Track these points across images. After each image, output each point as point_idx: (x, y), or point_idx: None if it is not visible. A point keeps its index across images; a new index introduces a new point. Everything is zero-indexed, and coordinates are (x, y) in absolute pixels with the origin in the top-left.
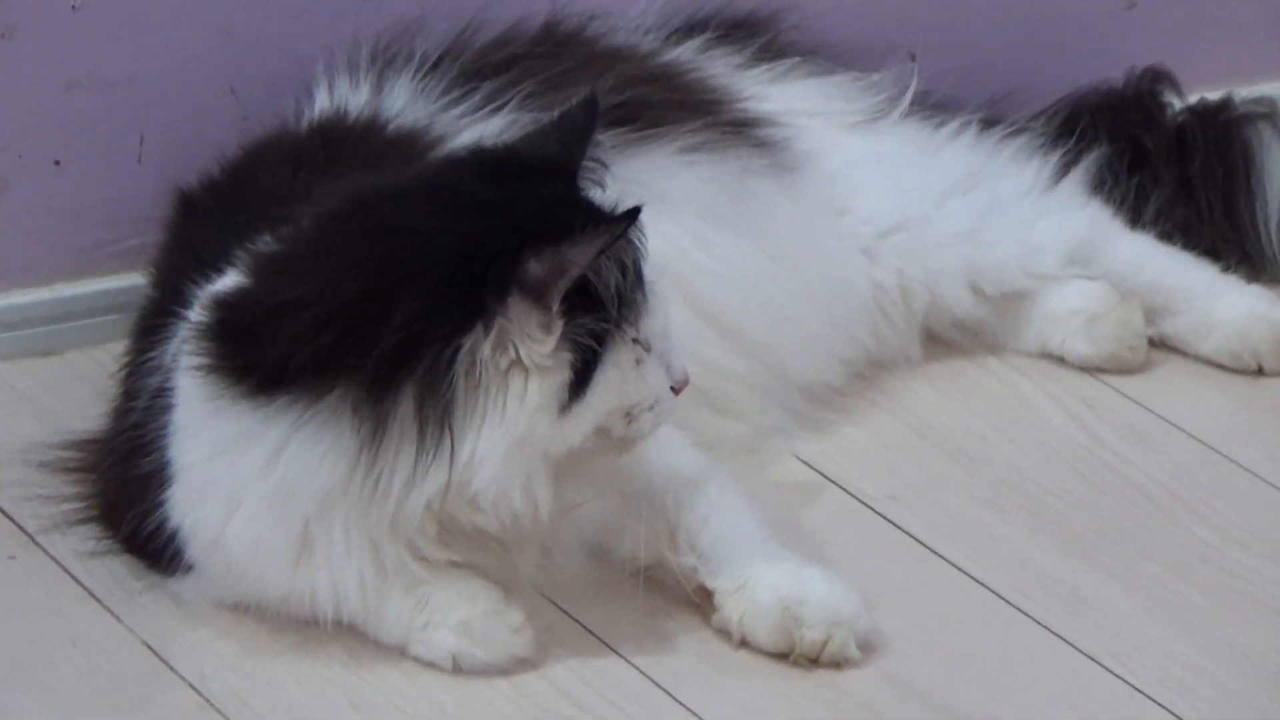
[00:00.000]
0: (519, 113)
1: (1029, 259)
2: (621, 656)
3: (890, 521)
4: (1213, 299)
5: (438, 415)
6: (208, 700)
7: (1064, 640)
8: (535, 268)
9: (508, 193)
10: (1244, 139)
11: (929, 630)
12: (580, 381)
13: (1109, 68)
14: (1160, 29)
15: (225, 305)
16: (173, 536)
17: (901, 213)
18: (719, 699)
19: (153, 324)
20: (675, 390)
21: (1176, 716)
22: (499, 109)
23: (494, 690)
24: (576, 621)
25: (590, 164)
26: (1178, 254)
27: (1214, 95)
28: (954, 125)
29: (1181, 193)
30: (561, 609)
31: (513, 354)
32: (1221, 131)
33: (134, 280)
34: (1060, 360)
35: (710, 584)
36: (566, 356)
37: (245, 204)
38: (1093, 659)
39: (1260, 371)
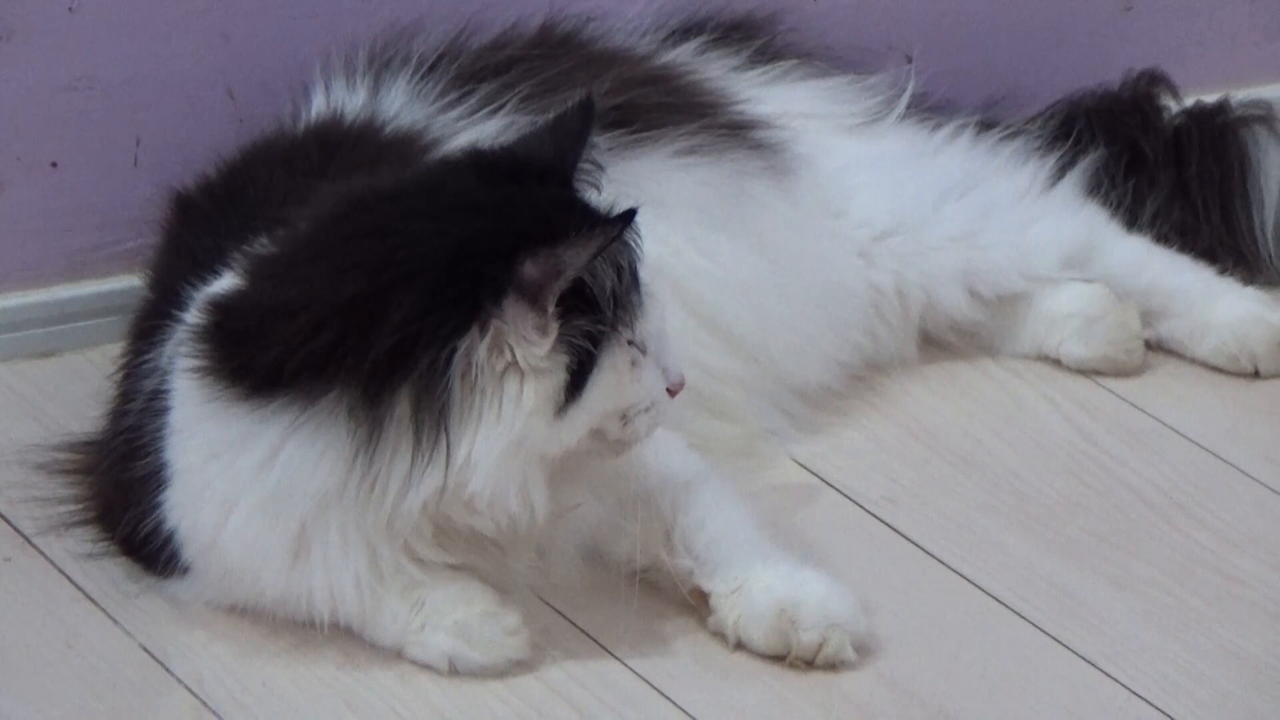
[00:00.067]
0: (516, 115)
1: (1025, 262)
2: (617, 659)
3: (886, 524)
4: (1209, 302)
5: (434, 417)
6: (204, 702)
7: (1060, 643)
8: (531, 270)
9: (504, 195)
10: (1240, 142)
11: (925, 633)
12: (576, 384)
13: (1106, 71)
14: (1157, 32)
15: (221, 307)
16: (169, 538)
17: (898, 215)
18: (715, 701)
19: (149, 326)
20: (671, 392)
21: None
22: (496, 111)
23: (489, 692)
24: (572, 624)
25: (586, 166)
26: (1174, 257)
27: (1210, 98)
28: (951, 128)
29: (1178, 195)
30: (557, 611)
31: (508, 356)
32: (1218, 134)
33: (130, 282)
34: (1056, 363)
35: (706, 586)
36: (562, 359)
37: (241, 206)
38: (1089, 662)
39: (1257, 374)
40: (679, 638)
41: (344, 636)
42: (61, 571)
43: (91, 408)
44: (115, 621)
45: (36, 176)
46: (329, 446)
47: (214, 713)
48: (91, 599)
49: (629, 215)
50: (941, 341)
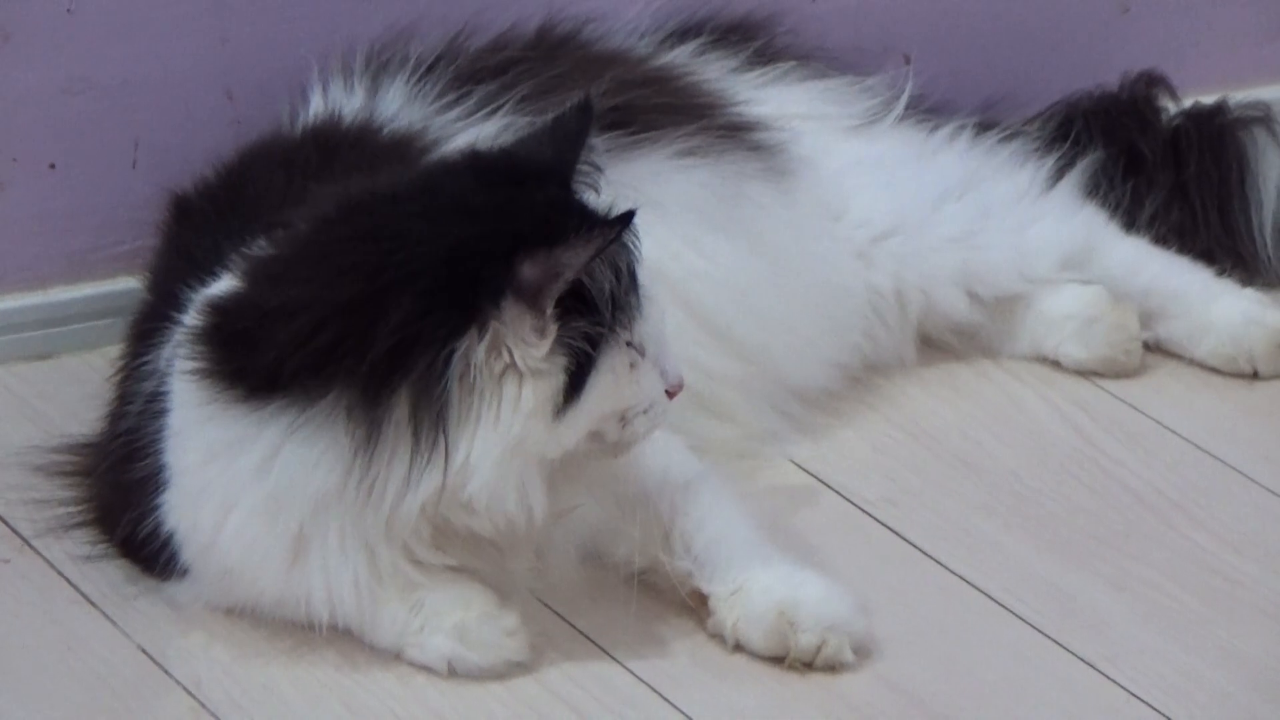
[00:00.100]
0: (514, 116)
1: (1024, 263)
2: (616, 660)
3: (885, 525)
4: (1208, 303)
5: (432, 419)
6: (203, 704)
7: (1059, 644)
8: (529, 272)
9: (502, 197)
10: (1238, 143)
11: (924, 634)
12: (574, 385)
13: (1104, 72)
14: (1155, 33)
15: (220, 309)
16: (168, 540)
17: (896, 217)
18: (713, 703)
19: (147, 328)
20: (669, 394)
21: None
22: (494, 112)
23: (488, 694)
24: (571, 625)
25: (585, 168)
26: (1173, 258)
27: (1208, 99)
28: (949, 129)
29: (1176, 197)
30: (556, 613)
31: (507, 358)
32: (1216, 136)
33: (129, 284)
34: (1055, 364)
35: (705, 588)
36: (561, 360)
37: (240, 208)
38: (1087, 663)
39: (1255, 375)
40: (678, 639)
41: (342, 638)
42: (60, 573)
43: (90, 410)
44: (114, 623)
45: (35, 178)
46: (327, 448)
47: (212, 714)
48: (90, 601)
49: (627, 217)
50: (940, 343)
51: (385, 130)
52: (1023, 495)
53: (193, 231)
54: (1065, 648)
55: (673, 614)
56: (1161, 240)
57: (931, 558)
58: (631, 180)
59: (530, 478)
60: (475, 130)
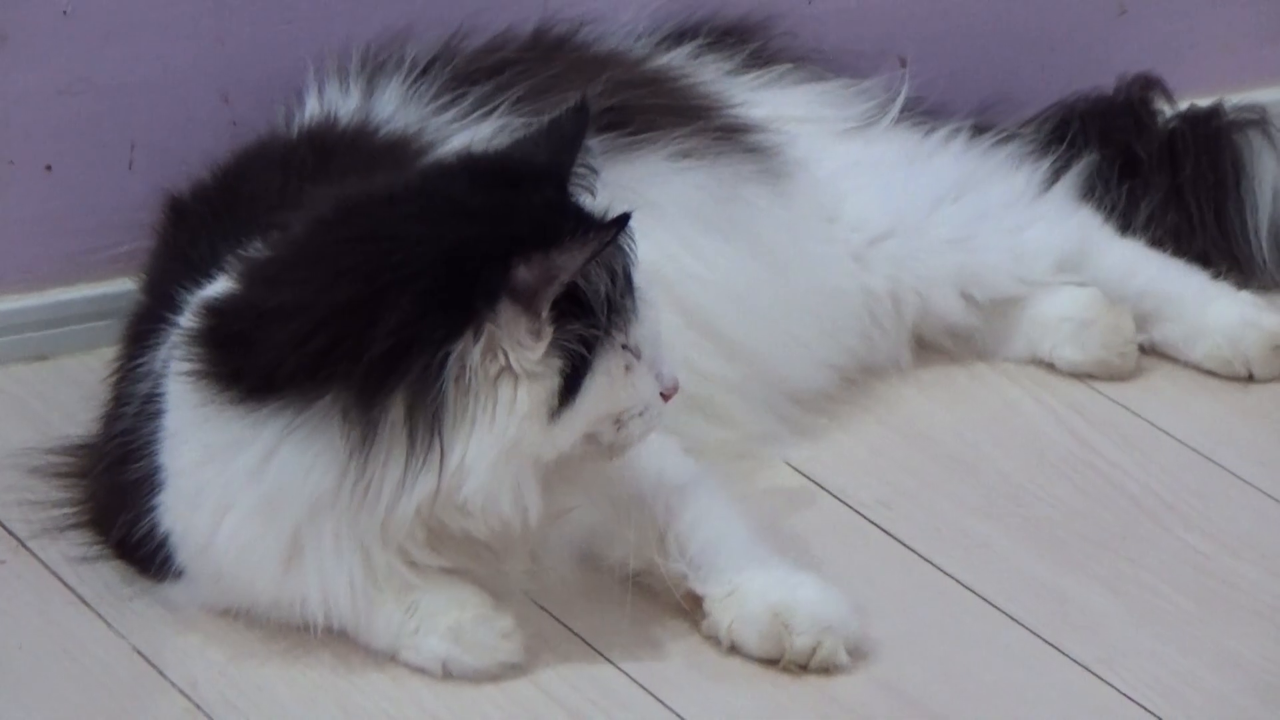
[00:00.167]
0: (510, 117)
1: (1019, 265)
2: (611, 662)
3: (880, 528)
4: (1203, 305)
5: (427, 421)
6: (198, 706)
7: (1054, 647)
8: (525, 274)
9: (498, 199)
10: (1234, 146)
11: (919, 637)
12: (570, 388)
13: (1100, 75)
14: (1151, 36)
15: (216, 311)
16: (163, 542)
17: (892, 219)
18: (708, 705)
19: (144, 329)
20: (665, 397)
21: None
22: (489, 114)
23: (483, 696)
24: (566, 627)
25: (581, 170)
26: (1168, 260)
27: (1204, 102)
28: (944, 132)
29: (1172, 199)
30: (551, 615)
31: (502, 360)
32: (1212, 138)
33: (125, 286)
34: (1050, 367)
35: (700, 590)
36: (556, 363)
37: (236, 210)
38: (1083, 666)
39: (1250, 378)
40: (672, 641)
41: (338, 640)
42: (56, 575)
43: (86, 411)
44: (109, 625)
45: (31, 180)
46: (323, 450)
47: (207, 715)
48: (86, 602)
49: (623, 220)
50: (935, 345)
51: (381, 132)
52: (1018, 498)
53: (189, 233)
54: (1060, 650)
55: (668, 616)
56: (1157, 243)
57: (927, 560)
58: (628, 181)
59: (525, 480)
60: (471, 131)
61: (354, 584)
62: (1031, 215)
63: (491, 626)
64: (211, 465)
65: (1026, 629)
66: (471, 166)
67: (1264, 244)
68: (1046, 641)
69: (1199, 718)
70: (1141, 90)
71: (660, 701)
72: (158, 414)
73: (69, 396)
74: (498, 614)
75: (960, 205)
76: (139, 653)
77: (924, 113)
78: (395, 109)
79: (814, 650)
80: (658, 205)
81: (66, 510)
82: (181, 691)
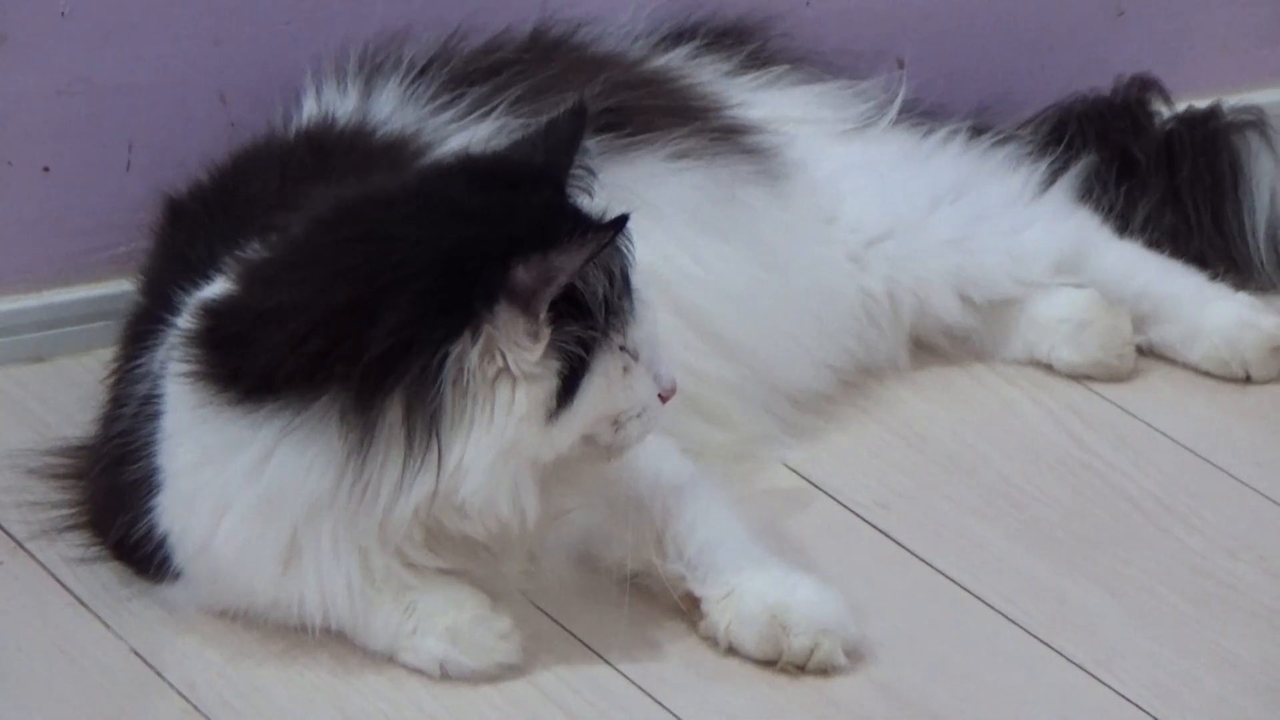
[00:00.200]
0: (507, 117)
1: (1017, 267)
2: (609, 663)
3: (878, 529)
4: (1200, 307)
5: (425, 423)
6: (196, 707)
7: (1051, 648)
8: (523, 276)
9: (496, 201)
10: (1231, 147)
11: (916, 638)
12: (568, 389)
13: (1097, 76)
14: (1148, 37)
15: (214, 312)
16: (161, 543)
17: (890, 220)
18: (706, 706)
19: (141, 330)
20: (663, 398)
21: None
22: (487, 114)
23: (481, 697)
24: (564, 628)
25: (578, 171)
26: (1166, 262)
27: (1202, 103)
28: (942, 133)
29: (1169, 201)
30: (549, 616)
31: (500, 362)
32: (1209, 140)
33: (123, 287)
34: (1048, 368)
35: (697, 591)
36: (554, 364)
37: (233, 211)
38: (1080, 667)
39: (1248, 379)
40: (670, 642)
41: (336, 641)
42: (54, 576)
43: (84, 412)
44: (107, 626)
45: (29, 181)
46: (321, 452)
47: (205, 717)
48: (84, 603)
49: (621, 221)
50: (933, 346)
51: (379, 133)
52: (1015, 499)
53: (186, 234)
54: (1058, 651)
55: (665, 617)
56: (1154, 244)
57: (924, 561)
58: (626, 182)
59: (523, 481)
60: (469, 132)
61: (352, 585)
62: (1029, 216)
63: (489, 627)
64: (209, 466)
65: (1024, 630)
66: (469, 167)
67: (1261, 245)
68: (1044, 642)
69: (1195, 718)
70: (1139, 91)
71: (658, 702)
72: (156, 415)
73: (67, 398)
74: (495, 615)
75: (958, 206)
76: (137, 654)
77: (922, 114)
78: (393, 110)
79: (812, 651)
80: (655, 206)
81: (64, 511)
82: (179, 692)
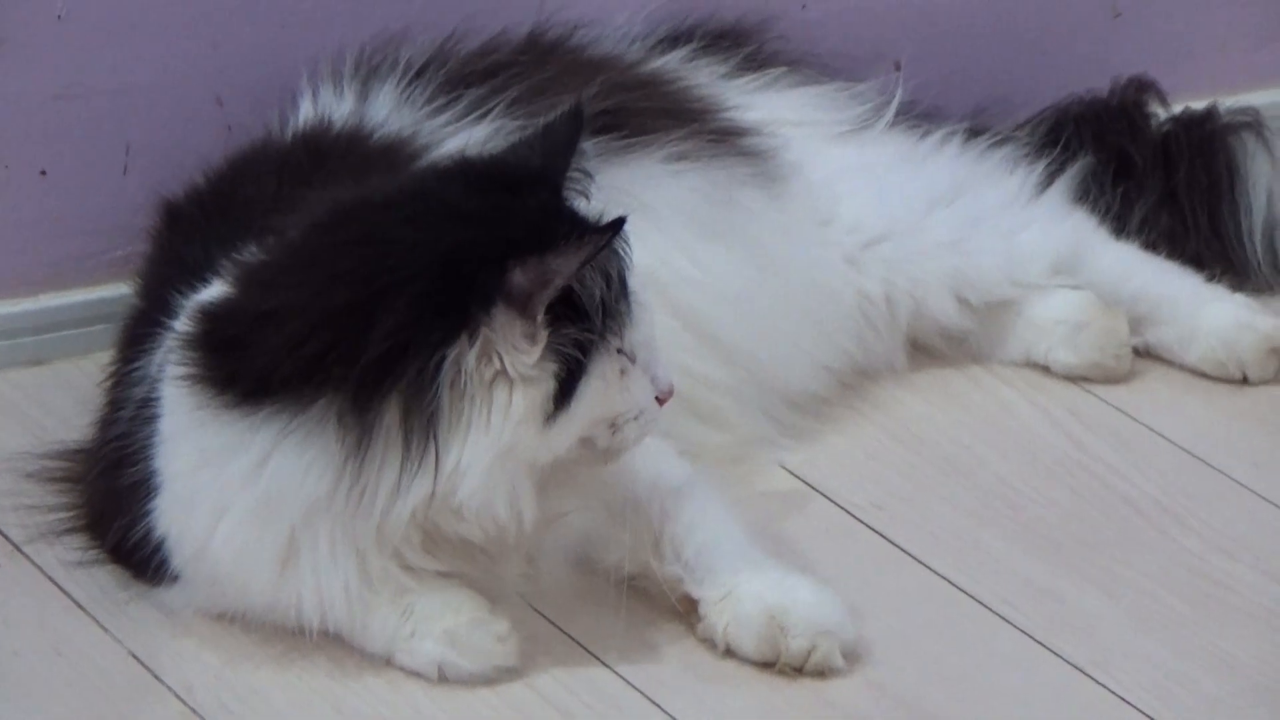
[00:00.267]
0: (504, 119)
1: (1014, 268)
2: (607, 666)
3: (875, 531)
4: (1197, 308)
5: (423, 425)
6: (193, 710)
7: (1049, 649)
8: (520, 278)
9: (492, 203)
10: (1228, 148)
11: (914, 639)
12: (565, 392)
13: (1094, 77)
14: (1145, 39)
15: (211, 315)
16: (159, 546)
17: (887, 222)
18: (703, 708)
19: (139, 334)
20: (660, 401)
21: None
22: (483, 116)
23: (479, 699)
24: (562, 631)
25: (575, 174)
26: (1162, 263)
27: (1198, 105)
28: (939, 135)
29: (1166, 202)
30: (547, 618)
31: (497, 364)
32: (1206, 141)
33: (120, 290)
34: (1045, 369)
35: (695, 593)
36: (551, 367)
37: (230, 214)
38: (1077, 668)
39: (1245, 380)
40: (668, 644)
41: (333, 644)
42: (51, 579)
43: (81, 416)
44: (105, 629)
45: (26, 184)
46: (318, 454)
47: (202, 719)
48: (81, 606)
49: (618, 224)
50: (930, 348)
51: (375, 135)
52: (1012, 500)
53: (184, 237)
54: (1055, 652)
55: (663, 619)
56: (1151, 245)
57: (921, 563)
58: (623, 184)
59: (520, 484)
60: (465, 135)
61: (349, 588)
62: (1026, 218)
63: (487, 630)
64: (207, 469)
65: (1021, 631)
66: (466, 170)
67: (1258, 247)
68: (1041, 643)
69: (1193, 719)
70: (1136, 93)
71: (656, 704)
72: (153, 418)
73: (64, 401)
74: (493, 617)
75: (955, 208)
76: (134, 657)
77: (918, 116)
78: (389, 112)
79: (809, 653)
80: (652, 208)
81: (62, 515)
82: (177, 695)
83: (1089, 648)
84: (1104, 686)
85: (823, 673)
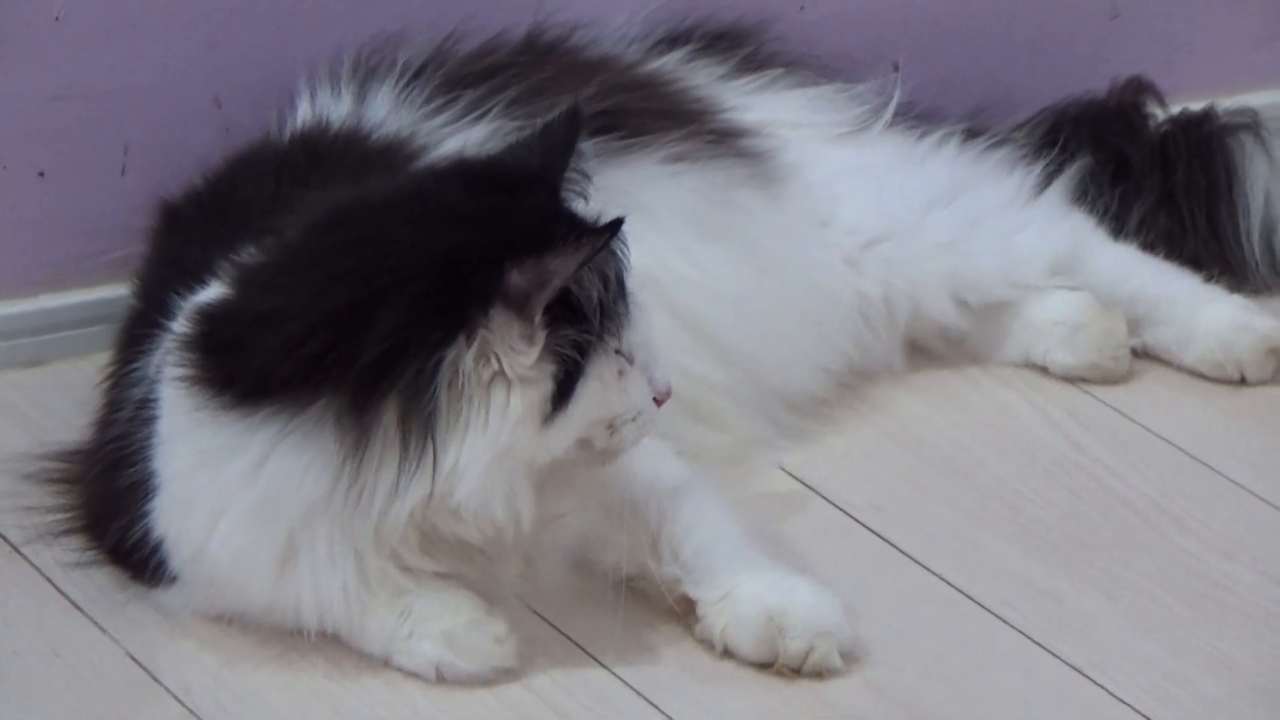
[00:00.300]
0: (502, 121)
1: (1012, 269)
2: (604, 667)
3: (873, 532)
4: (1195, 309)
5: (421, 426)
6: (191, 711)
7: (1046, 650)
8: (517, 279)
9: (491, 204)
10: (1226, 149)
11: (912, 640)
12: (563, 393)
13: (1092, 79)
14: (1143, 40)
15: (209, 316)
16: (157, 547)
17: (885, 223)
18: (701, 709)
19: (137, 335)
20: (658, 402)
21: None
22: (481, 117)
23: (477, 701)
24: (559, 632)
25: (573, 175)
26: (1160, 264)
27: (1196, 106)
28: (937, 136)
29: (1164, 203)
30: (545, 619)
31: (495, 365)
32: (1204, 142)
33: (118, 291)
34: (1043, 370)
35: (693, 594)
36: (549, 368)
37: (228, 215)
38: (1075, 669)
39: (1243, 381)
40: (666, 645)
41: (331, 645)
42: (49, 580)
43: (79, 417)
44: (103, 630)
45: (24, 185)
46: (316, 455)
47: None
48: (79, 608)
49: (616, 225)
50: (928, 349)
51: (373, 136)
52: (1011, 501)
53: (182, 238)
54: (1053, 653)
55: (661, 620)
56: (1149, 246)
57: (920, 564)
58: (621, 185)
59: (518, 485)
60: (463, 135)
61: (347, 589)
62: (1024, 219)
63: (485, 631)
64: (205, 470)
65: (1019, 632)
66: (464, 171)
67: (1256, 247)
68: (1039, 644)
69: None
70: (1133, 94)
71: (654, 705)
72: (151, 419)
73: (62, 402)
74: (491, 618)
75: (953, 209)
76: (133, 658)
77: (916, 117)
78: (387, 113)
79: (807, 654)
80: (651, 209)
81: (60, 516)
82: (175, 696)
83: (1087, 648)
84: (1102, 687)
85: (821, 674)
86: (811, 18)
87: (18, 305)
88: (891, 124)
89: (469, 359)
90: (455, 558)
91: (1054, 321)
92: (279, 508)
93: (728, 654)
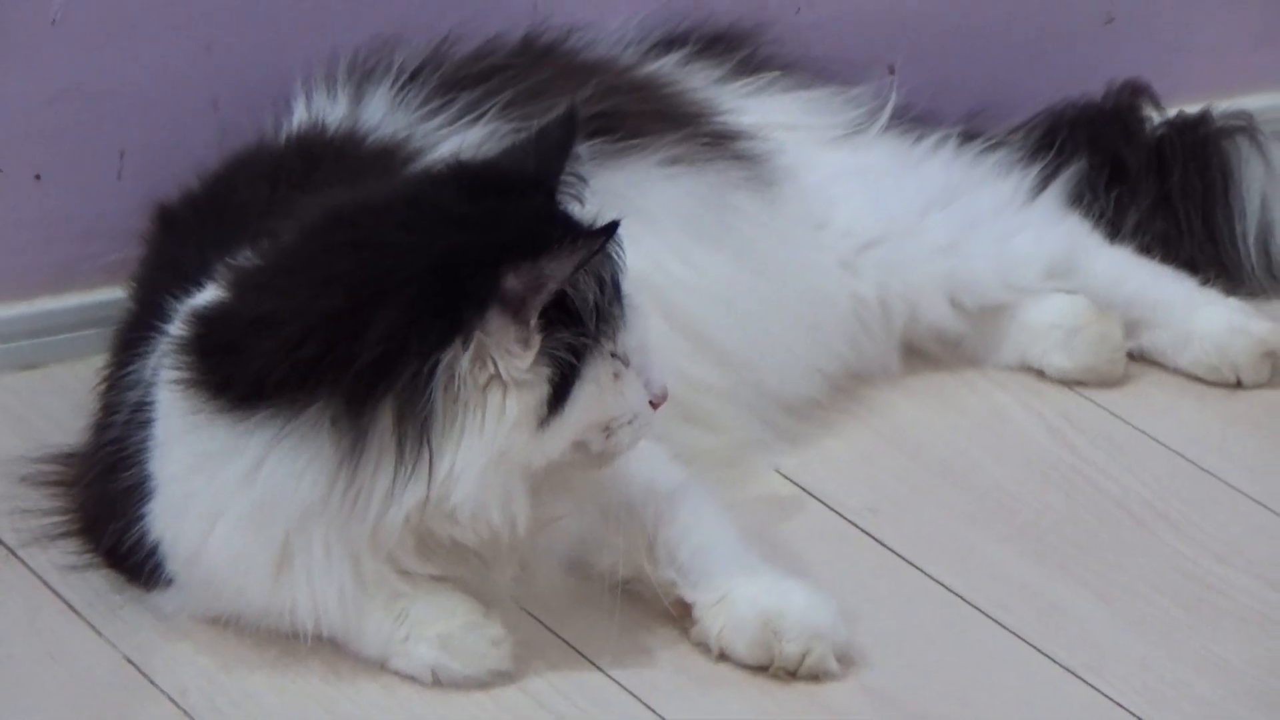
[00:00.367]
0: (498, 123)
1: (1008, 272)
2: (600, 670)
3: (869, 535)
4: (1191, 312)
5: (416, 430)
6: (187, 714)
7: (1042, 653)
8: (513, 282)
9: (486, 208)
10: (1222, 153)
11: (907, 643)
12: (559, 396)
13: (1088, 82)
14: (1139, 43)
15: (205, 319)
16: (153, 550)
17: (881, 226)
18: (697, 712)
19: (133, 338)
20: (653, 405)
21: None
22: (478, 119)
23: (473, 703)
24: (556, 635)
25: (569, 178)
26: (1156, 267)
27: (1192, 109)
28: (933, 139)
29: (1160, 206)
30: (541, 622)
31: (491, 369)
32: (1200, 145)
33: (114, 294)
34: (1039, 373)
35: (689, 597)
36: (545, 371)
37: (225, 218)
38: (1070, 671)
39: (1238, 384)
40: (662, 649)
41: (328, 648)
42: (45, 583)
43: (76, 420)
44: (99, 633)
45: (20, 188)
46: (312, 459)
47: None
48: (75, 611)
49: (611, 228)
50: (924, 352)
51: (369, 139)
52: (1007, 504)
53: (178, 241)
54: (1049, 656)
55: (657, 623)
56: (1145, 250)
57: (916, 567)
58: (617, 188)
59: (514, 488)
60: (459, 138)
61: (344, 592)
62: (1020, 222)
63: (481, 634)
64: (201, 473)
65: (1015, 635)
66: (460, 174)
67: (1251, 250)
68: (1035, 647)
69: None
70: (1130, 97)
71: (650, 708)
72: (147, 422)
73: (58, 405)
74: (487, 621)
75: (949, 212)
76: (129, 661)
77: (912, 120)
78: (383, 116)
79: (803, 657)
80: (646, 212)
81: (56, 519)
82: (171, 699)
83: (1082, 651)
84: (1097, 690)
85: (816, 676)
86: (808, 20)
87: (14, 308)
88: (888, 127)
89: (465, 362)
90: (451, 561)
91: (1050, 324)
92: (275, 511)
93: (724, 657)
